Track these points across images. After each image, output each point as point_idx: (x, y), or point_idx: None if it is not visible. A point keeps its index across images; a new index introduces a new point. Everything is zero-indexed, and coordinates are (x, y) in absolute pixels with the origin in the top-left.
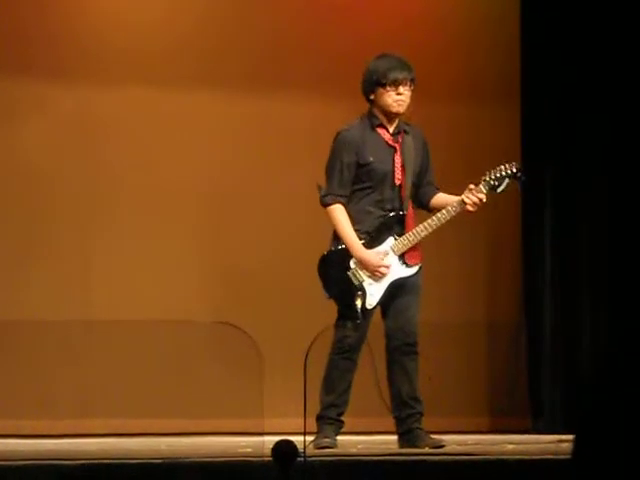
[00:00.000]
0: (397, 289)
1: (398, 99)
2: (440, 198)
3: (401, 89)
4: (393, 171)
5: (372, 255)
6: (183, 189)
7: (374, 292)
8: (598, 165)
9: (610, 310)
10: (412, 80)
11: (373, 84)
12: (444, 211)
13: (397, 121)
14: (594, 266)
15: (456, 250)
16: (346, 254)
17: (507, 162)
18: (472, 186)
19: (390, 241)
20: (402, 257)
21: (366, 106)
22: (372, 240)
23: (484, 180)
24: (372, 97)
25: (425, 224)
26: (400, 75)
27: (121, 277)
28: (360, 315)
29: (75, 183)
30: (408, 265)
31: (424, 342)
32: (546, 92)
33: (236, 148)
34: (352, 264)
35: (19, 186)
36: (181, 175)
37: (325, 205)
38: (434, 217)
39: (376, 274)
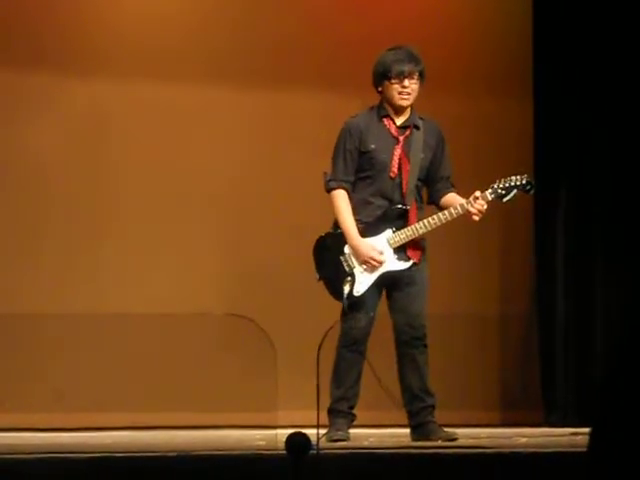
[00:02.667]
0: (403, 285)
1: (403, 92)
2: (450, 198)
3: (406, 82)
4: (391, 163)
5: (365, 245)
6: (196, 183)
7: (363, 280)
8: (613, 158)
9: (624, 302)
10: (420, 73)
11: (381, 76)
12: (446, 212)
13: (408, 115)
14: (607, 258)
15: (468, 243)
16: (342, 239)
17: (519, 173)
18: (478, 193)
19: (388, 233)
20: (398, 251)
21: (377, 99)
22: (370, 229)
23: (492, 187)
24: (380, 89)
25: (425, 221)
26: (405, 68)
27: (135, 270)
28: (345, 301)
29: (87, 176)
30: (402, 259)
31: (436, 335)
32: (559, 85)
33: (251, 143)
34: (346, 250)
35: (30, 180)
36: (194, 169)
37: (328, 190)
38: (435, 216)
39: (367, 264)
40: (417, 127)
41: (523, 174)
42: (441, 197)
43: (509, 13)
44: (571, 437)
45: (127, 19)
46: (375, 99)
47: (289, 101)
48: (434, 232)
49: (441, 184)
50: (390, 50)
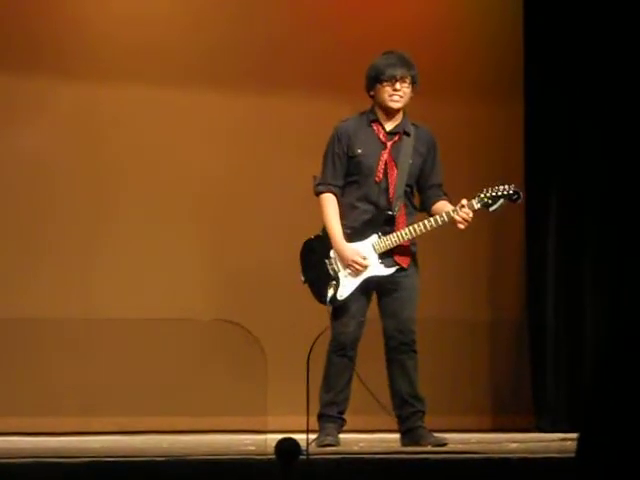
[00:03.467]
0: (390, 289)
1: (394, 94)
2: (440, 206)
3: (398, 85)
4: (377, 168)
5: (349, 249)
6: (185, 187)
7: (347, 284)
8: (603, 162)
9: (613, 307)
10: (413, 77)
11: (373, 79)
12: (432, 219)
13: (399, 121)
14: (598, 263)
15: (459, 248)
16: (328, 243)
17: (507, 183)
18: (464, 201)
19: (373, 238)
20: (384, 256)
21: (367, 104)
22: (356, 234)
23: (478, 196)
24: (372, 93)
25: (411, 228)
26: (397, 72)
27: (124, 275)
28: (329, 304)
29: (78, 180)
30: (386, 265)
31: (427, 340)
32: (550, 90)
33: (239, 146)
34: (332, 253)
35: (22, 183)
36: (183, 173)
37: (317, 194)
38: (421, 223)
39: (350, 268)
40: (407, 133)
41: (510, 183)
42: (432, 204)
43: (500, 17)
44: (561, 442)
45: (117, 22)
46: (365, 103)
47: (279, 104)
48: (425, 238)
49: (432, 191)
50: (383, 54)
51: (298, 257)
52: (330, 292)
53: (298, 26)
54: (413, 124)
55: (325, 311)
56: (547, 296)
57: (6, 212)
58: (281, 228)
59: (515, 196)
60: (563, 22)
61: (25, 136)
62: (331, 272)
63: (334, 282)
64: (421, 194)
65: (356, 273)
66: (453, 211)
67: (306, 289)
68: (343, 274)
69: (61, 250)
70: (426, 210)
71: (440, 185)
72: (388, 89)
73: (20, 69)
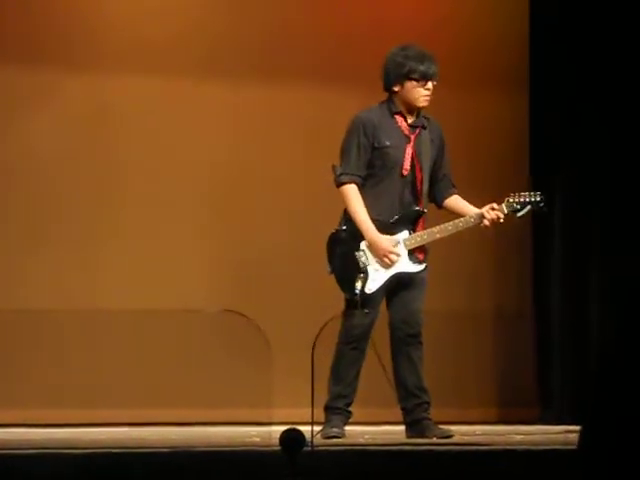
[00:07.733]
0: (404, 283)
1: (425, 94)
2: (455, 201)
3: (429, 84)
4: (403, 161)
5: (385, 240)
6: (192, 178)
7: (377, 278)
8: (608, 154)
9: (618, 300)
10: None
11: (402, 76)
12: (463, 220)
13: (418, 114)
14: (603, 255)
15: (465, 240)
16: (357, 234)
17: (534, 191)
18: (495, 205)
19: (404, 234)
20: (411, 253)
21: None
22: (384, 228)
23: (507, 201)
24: (396, 89)
25: (442, 227)
26: (431, 70)
27: (129, 266)
28: (357, 297)
29: (84, 172)
30: (416, 261)
31: (432, 332)
32: (555, 80)
33: (246, 138)
34: (363, 246)
35: (29, 174)
36: (190, 164)
37: (339, 184)
38: (452, 223)
39: (385, 260)
40: (424, 126)
41: (537, 192)
42: (444, 198)
43: (506, 7)
44: (565, 435)
45: (125, 13)
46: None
47: (286, 95)
48: (432, 241)
49: (443, 183)
50: (408, 49)
51: (305, 250)
52: (358, 285)
53: (307, 15)
54: (424, 116)
55: (330, 302)
56: (552, 289)
57: (12, 202)
58: (287, 219)
59: (542, 204)
60: (569, 12)
61: (33, 126)
62: (361, 265)
63: (362, 275)
64: (433, 185)
65: (387, 267)
66: (487, 212)
67: (312, 281)
68: (373, 267)
69: (67, 241)
70: (437, 202)
71: (449, 175)
72: (420, 89)
73: (26, 61)
